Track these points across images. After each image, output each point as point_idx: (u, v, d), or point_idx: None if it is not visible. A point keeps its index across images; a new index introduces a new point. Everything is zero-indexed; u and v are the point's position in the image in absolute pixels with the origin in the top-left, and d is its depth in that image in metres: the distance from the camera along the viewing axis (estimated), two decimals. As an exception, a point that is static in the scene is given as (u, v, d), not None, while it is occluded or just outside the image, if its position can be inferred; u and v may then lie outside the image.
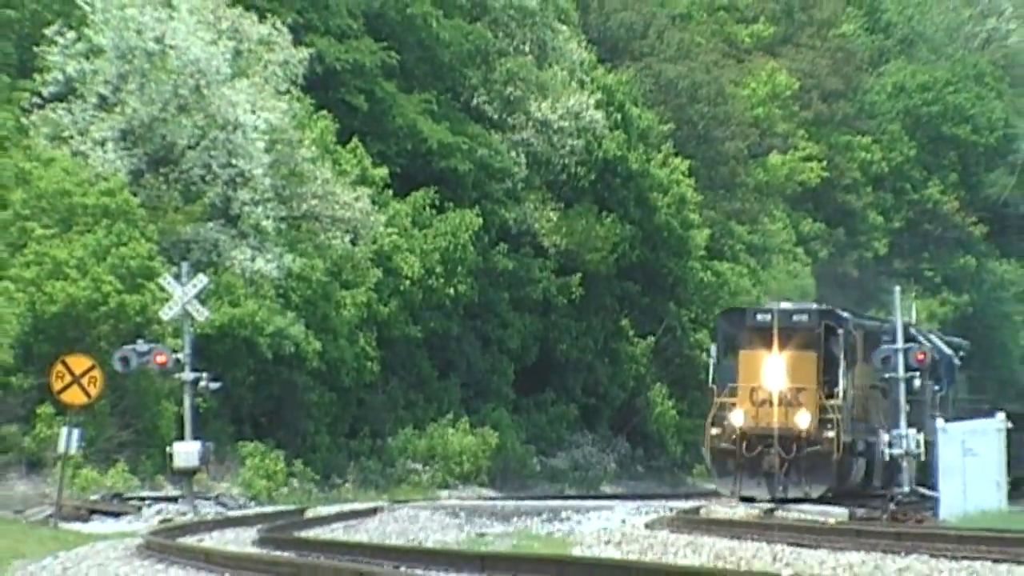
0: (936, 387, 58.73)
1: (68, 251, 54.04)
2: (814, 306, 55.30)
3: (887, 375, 55.83)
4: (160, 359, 49.67)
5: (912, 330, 60.69)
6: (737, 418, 48.86)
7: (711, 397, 51.66)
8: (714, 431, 49.90)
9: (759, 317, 51.04)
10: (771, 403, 48.48)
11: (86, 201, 55.92)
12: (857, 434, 50.73)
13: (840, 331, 50.68)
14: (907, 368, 54.80)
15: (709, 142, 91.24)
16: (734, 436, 48.85)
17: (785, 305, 53.31)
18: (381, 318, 67.40)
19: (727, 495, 48.94)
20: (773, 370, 48.89)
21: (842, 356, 50.03)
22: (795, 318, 50.40)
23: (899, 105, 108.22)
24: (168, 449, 50.08)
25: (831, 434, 48.11)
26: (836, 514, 46.18)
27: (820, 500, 47.31)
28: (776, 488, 47.51)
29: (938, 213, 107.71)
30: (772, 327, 49.67)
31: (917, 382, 53.97)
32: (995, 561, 23.75)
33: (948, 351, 57.83)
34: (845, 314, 56.53)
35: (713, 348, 53.09)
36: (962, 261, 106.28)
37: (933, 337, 59.59)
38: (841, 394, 49.23)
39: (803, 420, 48.12)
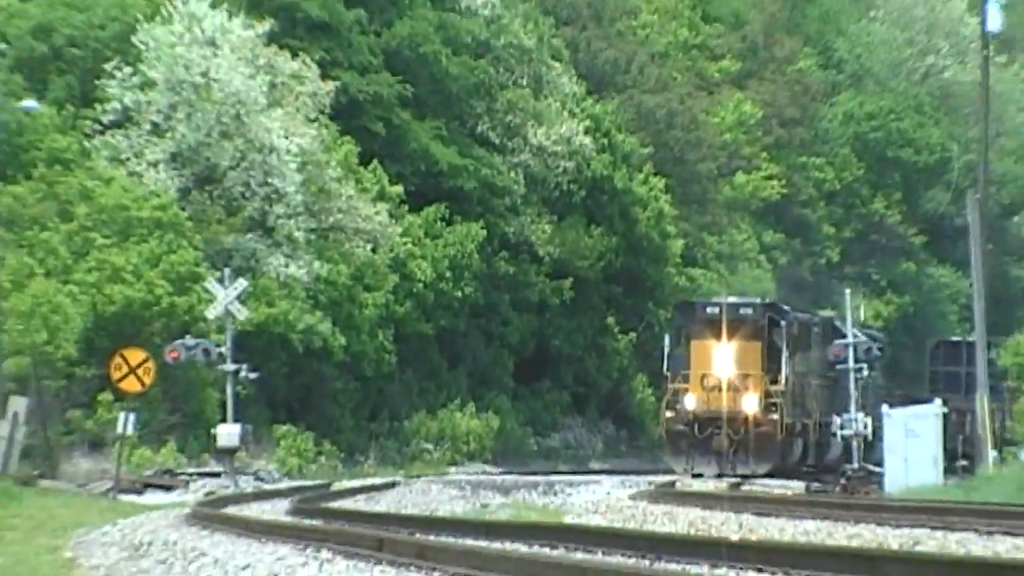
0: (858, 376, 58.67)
1: (125, 258, 54.01)
2: (758, 300, 54.87)
3: (838, 366, 55.87)
4: (206, 353, 50.13)
5: (839, 324, 61.37)
6: (689, 402, 48.35)
7: (666, 383, 51.28)
8: (669, 414, 49.68)
9: (709, 310, 50.61)
10: (720, 389, 47.97)
11: (141, 215, 55.99)
12: (796, 416, 50.29)
13: (782, 323, 50.45)
14: (855, 360, 54.90)
15: (684, 163, 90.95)
16: (687, 419, 48.46)
17: (732, 299, 53.15)
18: (397, 317, 67.35)
19: (680, 472, 48.33)
20: (722, 358, 48.46)
21: (784, 346, 49.71)
22: (741, 311, 49.98)
23: (849, 131, 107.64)
24: (212, 431, 50.29)
25: (775, 416, 47.92)
26: (794, 488, 46.01)
27: (766, 476, 46.73)
28: (725, 466, 47.08)
29: (883, 225, 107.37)
30: (721, 319, 49.25)
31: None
32: (932, 528, 23.63)
33: (870, 343, 57.91)
34: (786, 308, 56.69)
35: (667, 338, 52.74)
36: (904, 267, 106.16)
37: (856, 331, 59.49)
38: (783, 380, 48.94)
39: (749, 404, 47.84)
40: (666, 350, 52.35)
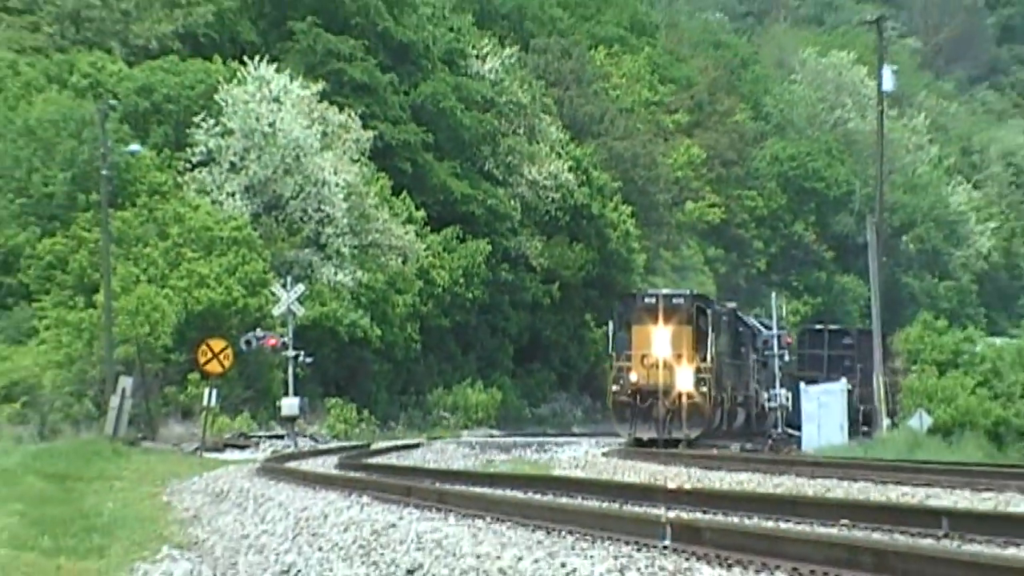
0: (757, 359, 58.14)
1: (209, 268, 54.18)
2: (688, 292, 53.72)
3: (766, 352, 55.24)
4: (271, 342, 50.35)
5: (750, 319, 60.15)
6: (632, 378, 47.33)
7: (611, 362, 50.22)
8: (615, 388, 48.49)
9: (647, 300, 49.28)
10: (657, 366, 46.98)
11: (221, 234, 56.14)
12: (719, 390, 49.38)
13: (708, 311, 49.56)
14: (772, 349, 54.70)
15: (645, 194, 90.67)
16: (630, 391, 47.48)
17: (666, 291, 52.32)
18: (422, 314, 67.14)
19: (624, 436, 47.75)
20: (659, 341, 47.41)
21: (709, 330, 48.76)
22: (674, 301, 48.76)
23: (774, 169, 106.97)
24: (277, 403, 50.55)
25: (704, 389, 47.02)
26: (731, 448, 46.26)
27: (697, 439, 46.20)
28: (662, 431, 46.26)
29: (801, 243, 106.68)
30: (657, 307, 48.09)
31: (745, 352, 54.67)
32: (839, 479, 23.77)
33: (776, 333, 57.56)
34: (711, 299, 56.54)
35: (611, 324, 51.70)
36: (817, 275, 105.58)
37: (753, 320, 60.38)
38: (709, 360, 48.03)
39: (682, 379, 46.81)
40: (611, 334, 51.36)
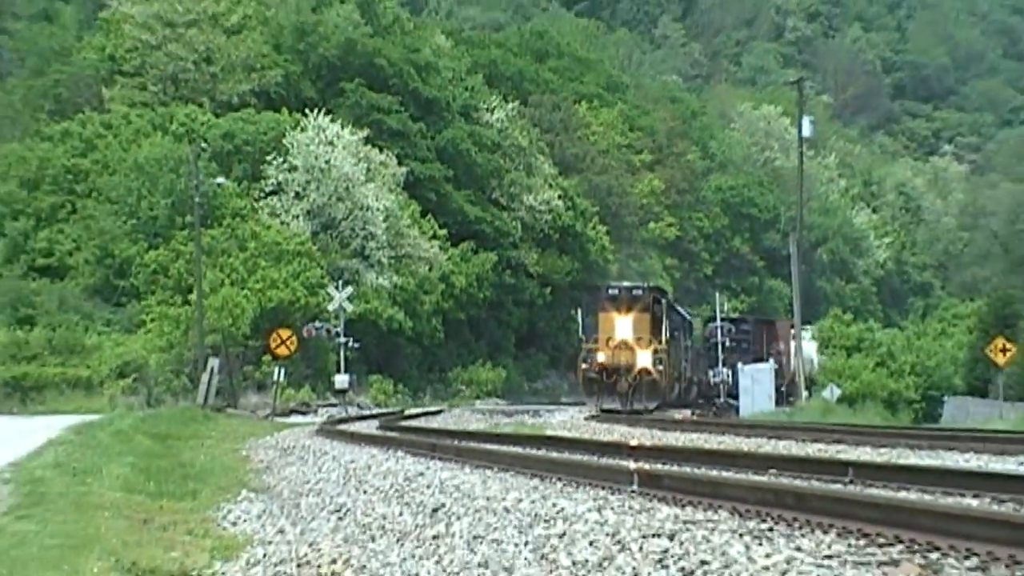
0: (690, 343, 57.24)
1: (278, 274, 54.10)
2: (646, 284, 52.09)
3: (711, 339, 54.63)
4: (327, 331, 50.17)
5: (683, 309, 59.61)
6: (599, 358, 45.42)
7: (581, 345, 48.21)
8: (584, 366, 46.47)
9: (611, 291, 47.60)
10: (621, 348, 45.38)
11: (288, 247, 55.98)
12: (670, 367, 47.60)
13: (663, 301, 47.83)
14: (718, 337, 53.78)
15: (617, 217, 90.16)
16: (597, 369, 45.56)
17: (626, 284, 50.73)
18: (444, 309, 66.70)
19: (593, 408, 45.67)
20: (622, 326, 45.65)
21: (664, 317, 46.99)
22: (634, 292, 47.12)
23: (718, 197, 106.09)
24: (331, 378, 50.09)
25: (660, 368, 45.58)
26: (684, 414, 45.55)
27: (654, 410, 44.55)
28: (625, 403, 44.48)
29: (739, 254, 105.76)
30: (620, 298, 46.48)
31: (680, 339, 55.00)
32: (768, 438, 23.69)
33: (719, 324, 56.65)
34: (665, 291, 54.59)
35: (580, 312, 49.74)
36: (751, 279, 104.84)
37: (684, 311, 59.80)
38: (663, 342, 46.40)
39: (642, 359, 45.14)
40: (581, 320, 49.33)
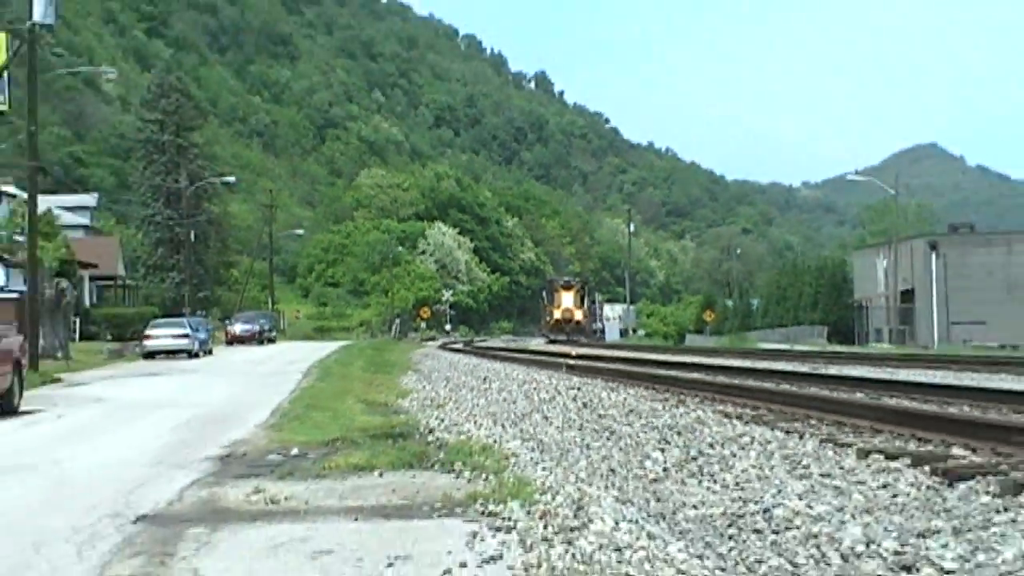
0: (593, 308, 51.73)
1: (422, 285, 59.69)
2: (578, 276, 51.09)
3: (596, 308, 50.91)
4: (442, 308, 54.43)
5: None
6: (555, 315, 42.67)
7: (543, 308, 44.55)
8: (546, 319, 43.60)
9: (562, 281, 45.57)
10: (566, 310, 42.50)
11: (426, 275, 61.53)
12: (589, 320, 44.44)
13: (585, 286, 45.24)
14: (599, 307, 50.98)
15: (558, 260, 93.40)
16: (553, 322, 42.46)
17: (567, 277, 49.93)
18: (487, 299, 72.88)
19: (547, 343, 42.56)
20: (567, 299, 42.98)
21: (586, 294, 44.22)
22: (573, 280, 45.47)
23: (600, 253, 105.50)
24: (444, 327, 55.48)
25: (584, 320, 43.10)
26: (584, 342, 43.69)
27: (579, 344, 41.25)
28: (568, 338, 41.88)
29: (607, 277, 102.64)
30: (566, 284, 44.32)
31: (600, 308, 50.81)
32: (618, 350, 24.76)
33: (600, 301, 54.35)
34: (588, 279, 53.18)
35: (544, 291, 46.64)
36: (614, 287, 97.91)
37: (598, 296, 57.70)
38: (587, 307, 43.60)
39: (577, 315, 42.95)
40: (544, 296, 45.86)
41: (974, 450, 4.92)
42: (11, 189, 23.67)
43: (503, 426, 7.38)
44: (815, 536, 3.53)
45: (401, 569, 3.14)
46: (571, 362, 15.47)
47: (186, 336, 21.91)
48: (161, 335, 21.85)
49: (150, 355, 21.23)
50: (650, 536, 3.40)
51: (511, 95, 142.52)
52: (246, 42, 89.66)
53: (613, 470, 5.09)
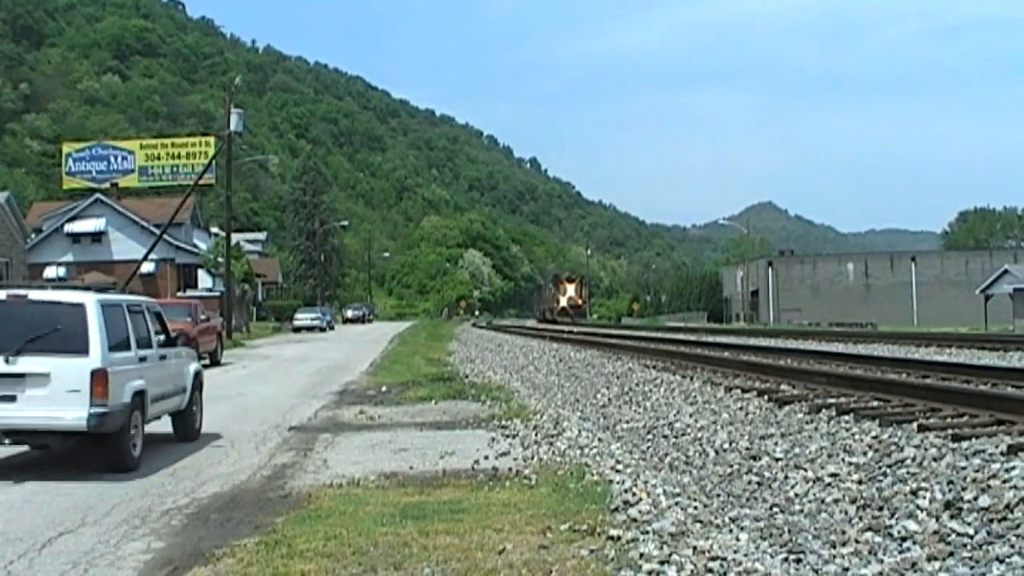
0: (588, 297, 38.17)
1: (463, 287, 54.50)
2: (576, 271, 39.83)
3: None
4: (473, 303, 50.67)
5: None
6: (561, 303, 34.25)
7: (549, 296, 36.30)
8: (552, 306, 34.93)
9: (566, 274, 37.82)
10: (571, 298, 34.34)
11: (463, 280, 55.61)
12: (586, 306, 35.18)
13: (584, 279, 37.12)
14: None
15: (545, 275, 72.80)
16: (560, 308, 33.97)
17: (570, 272, 39.65)
18: (500, 295, 65.69)
19: (538, 322, 33.33)
20: (570, 289, 34.88)
21: (584, 287, 35.85)
22: (573, 275, 35.54)
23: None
24: (474, 312, 50.17)
25: (584, 306, 35.93)
26: (567, 322, 34.12)
27: (584, 326, 31.23)
28: (571, 322, 32.44)
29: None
30: (570, 277, 36.00)
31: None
32: (593, 330, 21.05)
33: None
34: (585, 274, 41.15)
35: (548, 284, 38.63)
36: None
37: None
38: (585, 296, 35.99)
39: (580, 302, 35.41)
40: (548, 287, 38.17)
41: (794, 386, 5.18)
42: (216, 230, 25.86)
43: (510, 373, 7.68)
44: (699, 439, 3.88)
45: (450, 460, 3.57)
46: (573, 336, 13.89)
47: (319, 318, 22.84)
48: (304, 317, 22.69)
49: (297, 330, 21.97)
50: (600, 440, 3.73)
51: (515, 171, 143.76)
52: (355, 140, 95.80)
53: (577, 400, 5.61)
